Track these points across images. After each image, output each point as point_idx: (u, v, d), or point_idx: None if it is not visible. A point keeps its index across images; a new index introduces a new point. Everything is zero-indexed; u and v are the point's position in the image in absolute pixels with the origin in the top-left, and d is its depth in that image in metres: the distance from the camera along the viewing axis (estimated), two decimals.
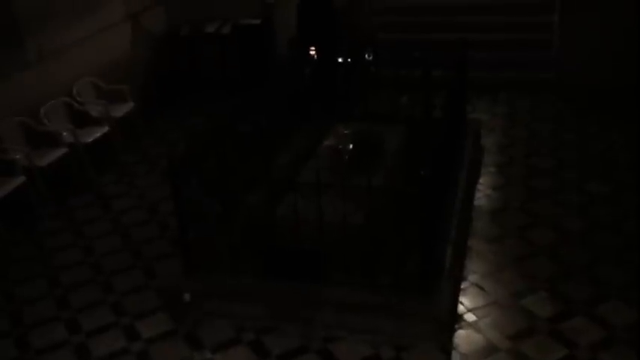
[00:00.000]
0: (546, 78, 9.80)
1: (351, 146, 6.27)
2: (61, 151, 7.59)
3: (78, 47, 8.59)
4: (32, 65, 7.87)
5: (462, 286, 5.56)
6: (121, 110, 8.75)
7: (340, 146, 6.31)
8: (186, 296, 5.34)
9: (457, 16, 10.86)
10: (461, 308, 5.31)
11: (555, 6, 9.94)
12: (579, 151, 7.97)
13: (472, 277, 5.70)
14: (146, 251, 6.45)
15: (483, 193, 7.12)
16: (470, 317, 5.22)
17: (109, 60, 9.19)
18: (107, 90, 8.87)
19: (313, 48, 8.34)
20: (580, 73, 9.34)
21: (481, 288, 5.57)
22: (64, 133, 7.73)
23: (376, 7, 10.90)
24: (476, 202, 6.91)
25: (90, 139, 8.02)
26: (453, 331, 5.05)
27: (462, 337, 5.02)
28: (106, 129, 8.28)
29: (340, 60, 8.33)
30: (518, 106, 9.41)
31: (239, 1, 10.40)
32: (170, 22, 10.67)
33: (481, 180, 7.38)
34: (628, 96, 8.89)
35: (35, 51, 7.93)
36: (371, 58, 8.38)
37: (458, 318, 5.20)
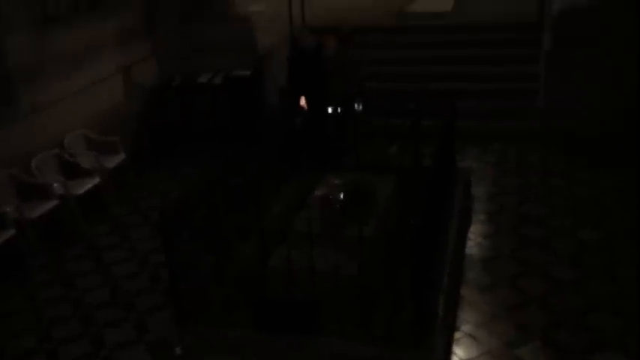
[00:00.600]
0: (534, 126, 9.92)
1: (342, 196, 6.30)
2: (52, 203, 7.57)
3: (70, 99, 8.66)
4: (24, 118, 7.91)
5: (455, 336, 5.53)
6: (112, 161, 8.78)
7: (331, 196, 6.33)
8: (177, 350, 5.28)
9: (446, 65, 11.06)
10: (454, 359, 5.27)
11: (540, 57, 10.14)
12: (569, 198, 8.02)
13: (465, 327, 5.67)
14: (137, 304, 6.40)
15: (474, 242, 7.14)
16: None
17: (100, 112, 9.26)
18: (98, 141, 8.91)
19: (303, 98, 8.46)
20: (566, 121, 9.46)
21: (474, 338, 5.54)
22: (55, 185, 7.73)
23: (365, 57, 11.09)
24: (467, 251, 6.92)
25: (81, 191, 8.02)
26: None
27: None
28: (97, 180, 8.29)
29: (330, 110, 8.43)
30: (508, 155, 9.50)
31: (230, 53, 10.53)
32: (162, 73, 10.78)
33: (472, 228, 7.41)
34: (614, 143, 9.01)
35: (27, 104, 7.99)
36: (361, 108, 8.48)
37: None
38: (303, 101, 8.53)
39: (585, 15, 9.38)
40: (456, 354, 5.32)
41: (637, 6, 9.10)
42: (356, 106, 8.43)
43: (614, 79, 9.20)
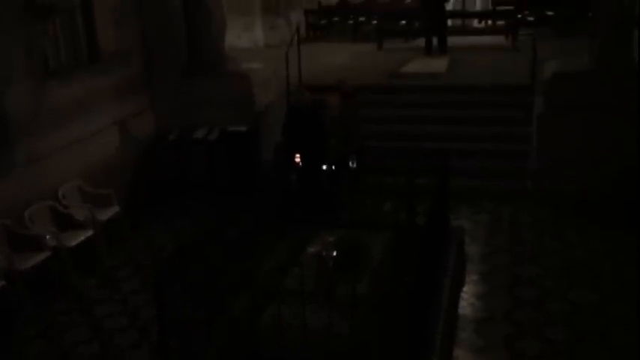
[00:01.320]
0: (526, 187, 9.99)
1: (335, 254, 6.28)
2: (43, 255, 7.52)
3: (65, 151, 8.71)
4: (19, 168, 7.93)
5: None
6: (106, 214, 8.77)
7: (325, 253, 6.31)
8: None
9: (440, 125, 11.20)
10: None
11: (533, 119, 10.30)
12: (562, 259, 8.03)
13: None
14: (127, 359, 6.31)
15: (467, 302, 7.10)
16: None
17: (95, 164, 9.29)
18: (93, 194, 8.92)
19: (298, 155, 8.52)
20: (558, 183, 9.54)
21: None
22: (48, 237, 7.70)
23: (362, 116, 11.24)
24: (460, 311, 6.88)
25: (74, 243, 7.98)
26: None
27: None
28: (90, 233, 8.26)
29: (325, 167, 8.50)
30: (501, 215, 9.53)
31: (227, 108, 10.65)
32: (159, 126, 10.87)
33: (465, 288, 7.38)
34: (606, 205, 9.07)
35: (23, 154, 8.03)
36: (355, 165, 8.54)
37: None
38: (297, 158, 8.60)
39: (576, 80, 9.58)
40: None
41: (629, 72, 9.31)
42: (350, 163, 8.50)
43: (606, 142, 9.33)
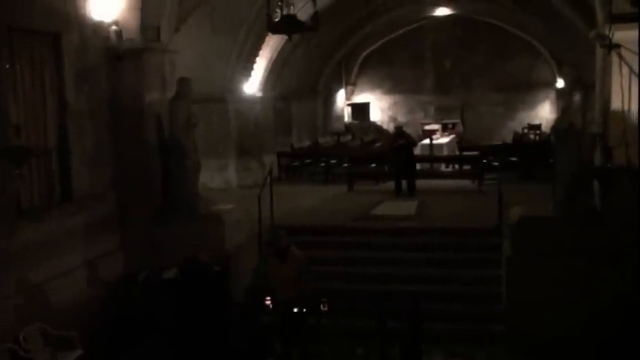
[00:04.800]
0: (498, 330, 9.93)
1: None
2: None
3: (31, 292, 8.53)
4: None
5: None
6: (68, 358, 8.46)
7: None
8: None
9: (410, 268, 11.25)
10: None
11: (502, 262, 10.42)
12: None
13: None
14: None
15: None
16: None
17: (61, 305, 9.05)
18: (56, 336, 8.64)
19: (269, 298, 8.46)
20: (530, 325, 9.50)
21: None
22: None
23: (333, 257, 11.32)
24: None
25: None
26: None
27: None
28: None
29: (295, 310, 8.42)
30: (474, 359, 9.39)
31: (198, 249, 10.62)
32: (128, 267, 10.76)
33: None
34: (577, 349, 9.00)
35: None
36: (326, 308, 8.46)
37: None
38: (268, 301, 8.53)
39: (542, 224, 9.82)
40: None
41: (591, 217, 9.60)
42: (322, 306, 8.44)
43: (574, 286, 9.41)
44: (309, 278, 8.77)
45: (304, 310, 8.38)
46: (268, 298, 8.50)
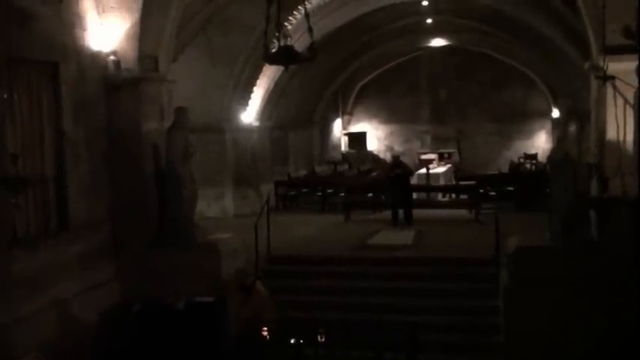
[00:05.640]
0: None
1: None
2: None
3: (24, 323, 8.44)
4: None
5: None
6: None
7: None
8: None
9: (407, 298, 11.20)
10: None
11: (499, 292, 10.38)
12: None
13: None
14: None
15: None
16: None
17: (54, 336, 8.96)
18: None
19: (266, 329, 8.41)
20: (528, 357, 9.42)
21: None
22: None
23: (329, 288, 11.26)
24: None
25: None
26: None
27: None
28: None
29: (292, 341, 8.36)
30: None
31: (194, 279, 10.56)
32: (124, 296, 10.68)
33: None
34: None
35: None
36: (323, 339, 8.39)
37: None
38: (265, 332, 8.48)
39: (539, 254, 9.80)
40: None
41: (588, 247, 9.59)
42: (319, 337, 8.38)
43: (573, 316, 9.37)
44: (273, 313, 8.83)
45: (301, 341, 8.31)
46: (265, 328, 8.43)
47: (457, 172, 23.25)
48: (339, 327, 9.58)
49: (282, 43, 8.69)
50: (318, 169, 24.52)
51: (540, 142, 27.55)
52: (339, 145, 29.71)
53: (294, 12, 14.56)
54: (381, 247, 13.06)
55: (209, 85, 16.69)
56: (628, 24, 7.54)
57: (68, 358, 8.76)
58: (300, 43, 11.55)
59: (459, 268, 11.69)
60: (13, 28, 8.36)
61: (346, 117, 29.78)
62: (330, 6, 17.38)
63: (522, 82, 27.47)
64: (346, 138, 30.01)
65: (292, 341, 8.24)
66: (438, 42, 26.03)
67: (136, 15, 10.41)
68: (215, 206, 17.42)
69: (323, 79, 23.73)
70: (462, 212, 16.95)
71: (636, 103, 8.76)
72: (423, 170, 21.41)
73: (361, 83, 29.06)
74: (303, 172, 23.05)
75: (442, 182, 20.83)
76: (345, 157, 28.96)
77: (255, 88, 18.18)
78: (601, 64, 9.40)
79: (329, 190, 19.10)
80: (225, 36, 16.11)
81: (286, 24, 13.66)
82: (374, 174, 23.17)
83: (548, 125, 27.36)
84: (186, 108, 11.07)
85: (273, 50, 8.74)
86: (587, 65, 10.66)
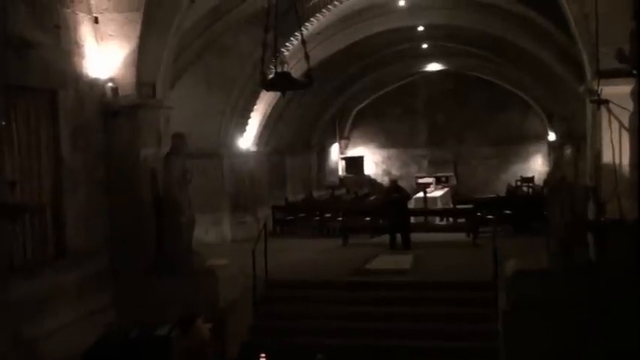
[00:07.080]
0: None
1: None
2: None
3: (22, 348, 8.39)
4: None
5: None
6: None
7: None
8: None
9: (405, 323, 11.13)
10: None
11: (499, 316, 10.34)
12: None
13: None
14: None
15: None
16: None
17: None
18: None
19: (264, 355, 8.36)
20: None
21: None
22: None
23: (326, 312, 11.20)
24: None
25: None
26: None
27: None
28: None
29: None
30: None
31: (192, 305, 10.51)
32: (121, 323, 10.61)
33: None
34: None
35: None
36: None
37: None
38: (263, 358, 8.43)
39: (537, 278, 9.78)
40: None
41: (586, 270, 9.58)
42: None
43: (572, 340, 9.33)
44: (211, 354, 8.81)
45: None
46: (263, 355, 8.39)
47: (454, 195, 23.26)
48: (338, 352, 9.55)
49: (279, 70, 8.76)
50: (316, 193, 24.52)
51: (537, 165, 27.64)
52: (337, 170, 29.77)
53: (291, 38, 14.65)
54: (380, 272, 13.00)
55: (206, 111, 16.76)
56: (621, 47, 7.63)
57: None
58: (296, 69, 11.62)
59: (458, 293, 11.66)
60: (12, 56, 8.42)
61: (343, 141, 29.88)
62: (326, 32, 17.52)
63: (518, 106, 27.63)
64: (343, 162, 30.07)
65: None
66: (434, 67, 26.22)
67: (134, 42, 10.50)
68: (213, 232, 17.38)
69: (320, 104, 23.85)
70: (460, 236, 16.93)
71: (632, 126, 8.82)
72: (421, 194, 21.39)
73: (358, 108, 29.20)
74: (300, 197, 23.03)
75: (440, 206, 20.82)
76: (342, 181, 28.99)
77: (252, 114, 18.24)
78: (595, 87, 9.48)
79: (327, 215, 19.08)
80: (222, 62, 16.22)
81: (283, 50, 13.78)
82: (371, 198, 23.17)
83: (545, 148, 27.47)
84: (184, 134, 11.11)
85: (270, 77, 8.80)
86: (581, 89, 10.74)
